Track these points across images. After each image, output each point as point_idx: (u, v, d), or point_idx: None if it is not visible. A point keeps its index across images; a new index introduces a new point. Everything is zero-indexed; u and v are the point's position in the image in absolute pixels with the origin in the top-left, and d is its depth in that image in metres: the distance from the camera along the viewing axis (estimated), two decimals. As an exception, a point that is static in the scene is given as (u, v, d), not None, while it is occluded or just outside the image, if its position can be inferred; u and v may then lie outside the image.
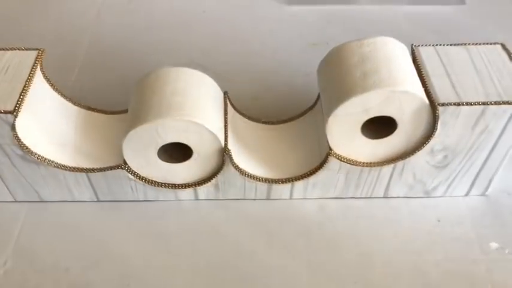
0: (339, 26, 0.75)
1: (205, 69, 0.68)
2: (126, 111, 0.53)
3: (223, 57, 0.70)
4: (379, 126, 0.46)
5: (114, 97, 0.63)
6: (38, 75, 0.48)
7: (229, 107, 0.52)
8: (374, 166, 0.48)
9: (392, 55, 0.44)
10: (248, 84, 0.66)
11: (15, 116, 0.43)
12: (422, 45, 0.48)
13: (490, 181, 0.50)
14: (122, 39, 0.73)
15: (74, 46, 0.72)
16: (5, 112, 0.42)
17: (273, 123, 0.55)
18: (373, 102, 0.42)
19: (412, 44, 0.48)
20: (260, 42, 0.73)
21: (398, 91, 0.41)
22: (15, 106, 0.43)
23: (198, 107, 0.46)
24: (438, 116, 0.43)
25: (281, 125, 0.55)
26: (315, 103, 0.54)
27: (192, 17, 0.77)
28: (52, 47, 0.70)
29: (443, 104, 0.42)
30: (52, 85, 0.51)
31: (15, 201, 0.53)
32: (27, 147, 0.45)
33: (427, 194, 0.52)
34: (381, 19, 0.76)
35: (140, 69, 0.67)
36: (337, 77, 0.44)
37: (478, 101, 0.42)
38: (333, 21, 0.76)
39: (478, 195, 0.52)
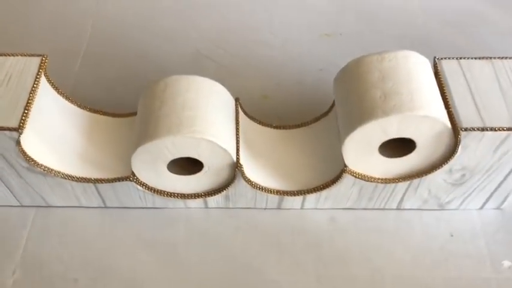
0: (351, 15, 0.72)
1: (212, 61, 0.66)
2: (132, 114, 0.51)
3: (231, 48, 0.67)
4: (397, 144, 0.44)
5: (119, 91, 0.62)
6: (43, 82, 0.46)
7: (241, 113, 0.50)
8: (389, 182, 0.47)
9: (414, 73, 0.42)
10: (257, 80, 0.63)
11: (20, 133, 0.41)
12: (444, 59, 0.45)
13: (507, 197, 0.49)
14: (125, 29, 0.69)
15: (75, 38, 0.68)
16: (10, 129, 0.41)
17: (284, 127, 0.53)
18: (393, 125, 0.41)
19: (435, 57, 0.45)
20: (269, 32, 0.70)
21: (419, 116, 0.40)
22: (20, 122, 0.41)
23: (209, 121, 0.44)
24: (460, 140, 0.41)
25: (294, 130, 0.53)
26: (330, 109, 0.52)
27: (199, 4, 0.73)
28: (52, 39, 0.68)
29: (466, 129, 0.40)
30: (56, 89, 0.49)
31: (22, 206, 0.52)
32: (33, 160, 0.44)
33: (441, 207, 0.51)
34: (396, 7, 0.73)
35: (145, 62, 0.65)
36: (356, 95, 0.43)
37: (503, 126, 0.40)
38: (345, 9, 0.72)
39: (493, 208, 0.51)
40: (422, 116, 0.40)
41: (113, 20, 0.71)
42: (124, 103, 0.55)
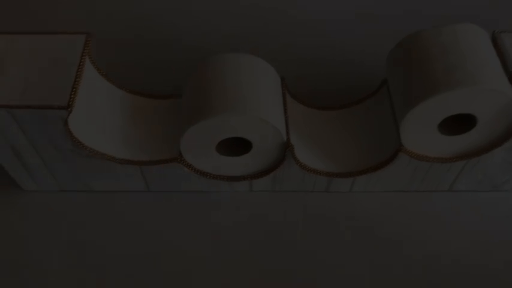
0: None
1: (248, 43, 0.65)
2: (175, 95, 0.50)
3: (266, 30, 0.65)
4: (454, 121, 0.43)
5: (154, 75, 0.60)
6: (87, 62, 0.44)
7: (286, 93, 0.49)
8: (446, 162, 0.45)
9: (476, 46, 0.40)
10: (293, 61, 0.61)
11: (70, 112, 0.40)
12: (504, 32, 0.43)
13: None
14: (158, 11, 0.68)
15: (108, 18, 0.67)
16: (60, 108, 0.40)
17: (328, 108, 0.52)
18: (457, 100, 0.39)
19: (494, 31, 0.43)
20: (305, 13, 0.68)
21: (485, 90, 0.38)
22: (69, 101, 0.40)
23: (261, 100, 0.42)
24: (527, 115, 0.39)
25: (338, 111, 0.52)
26: (377, 90, 0.50)
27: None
28: (82, 24, 0.66)
29: (534, 103, 0.39)
30: (99, 70, 0.47)
31: (63, 191, 0.51)
32: (79, 142, 0.43)
33: (495, 188, 0.49)
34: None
35: (180, 46, 0.64)
36: (415, 70, 0.41)
37: None
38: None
39: (549, 189, 0.50)
40: (489, 89, 0.38)
41: (144, 3, 0.69)
42: (160, 87, 0.53)
